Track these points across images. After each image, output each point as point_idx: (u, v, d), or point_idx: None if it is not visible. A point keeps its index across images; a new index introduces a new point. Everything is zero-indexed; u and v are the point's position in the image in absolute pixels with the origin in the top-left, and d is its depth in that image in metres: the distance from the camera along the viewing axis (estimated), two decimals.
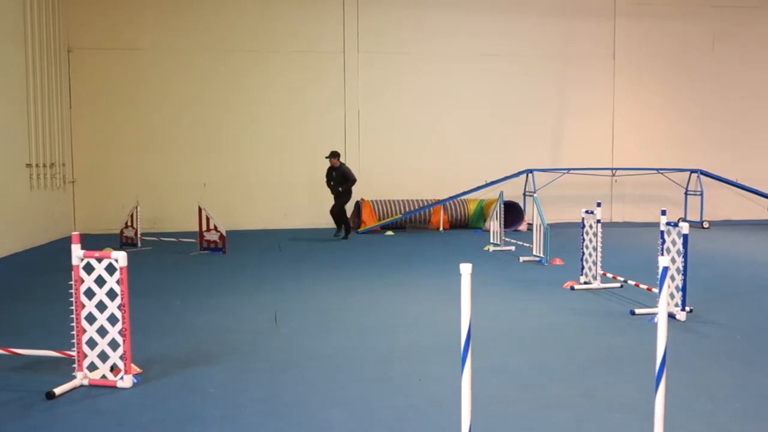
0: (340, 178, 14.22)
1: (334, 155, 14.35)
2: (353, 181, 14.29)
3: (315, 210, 16.85)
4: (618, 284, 8.46)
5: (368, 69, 17.04)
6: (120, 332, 4.88)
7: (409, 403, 4.60)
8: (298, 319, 7.14)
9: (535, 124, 17.87)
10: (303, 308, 7.64)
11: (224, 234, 12.22)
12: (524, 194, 16.62)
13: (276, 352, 5.89)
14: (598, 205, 8.76)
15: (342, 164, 14.47)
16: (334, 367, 5.43)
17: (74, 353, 4.98)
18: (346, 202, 14.52)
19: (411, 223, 16.45)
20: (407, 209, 16.18)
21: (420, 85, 17.29)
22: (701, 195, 16.55)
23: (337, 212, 14.37)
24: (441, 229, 16.17)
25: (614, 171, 17.30)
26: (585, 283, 8.66)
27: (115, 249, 10.14)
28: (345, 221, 14.37)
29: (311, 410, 4.50)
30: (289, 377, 5.20)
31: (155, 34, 16.32)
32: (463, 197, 16.37)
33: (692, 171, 17.10)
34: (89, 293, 4.96)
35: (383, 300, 8.09)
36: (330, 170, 14.43)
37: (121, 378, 4.93)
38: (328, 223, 16.93)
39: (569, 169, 16.75)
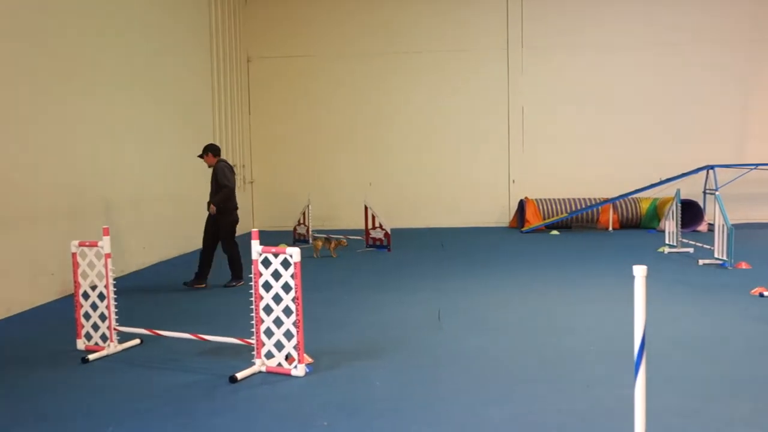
0: (213, 185, 9.15)
1: (213, 151, 9.27)
2: (229, 188, 9.11)
3: (478, 208, 16.80)
4: None
5: (532, 64, 16.67)
6: (294, 324, 5.18)
7: (575, 409, 4.44)
8: (461, 317, 7.16)
9: (715, 116, 16.49)
10: (466, 306, 7.65)
11: (389, 232, 12.54)
12: (704, 192, 15.40)
13: (439, 349, 5.95)
14: None
15: (220, 161, 9.23)
16: (497, 367, 5.38)
17: (253, 341, 5.36)
18: (233, 225, 9.33)
19: (577, 223, 15.86)
20: (573, 208, 15.63)
21: (586, 78, 16.61)
22: None
23: (227, 248, 9.26)
24: (610, 229, 15.44)
25: None
26: None
27: (289, 245, 10.73)
28: (238, 258, 9.28)
29: (474, 409, 4.50)
30: (452, 374, 5.23)
31: (325, 41, 17.10)
32: (634, 195, 15.49)
33: None
34: (267, 286, 5.32)
35: (548, 301, 7.88)
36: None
37: (295, 367, 5.23)
38: (492, 221, 16.82)
39: (757, 165, 15.27)
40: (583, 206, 15.58)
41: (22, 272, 7.95)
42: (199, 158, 9.40)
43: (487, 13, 16.71)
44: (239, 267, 9.28)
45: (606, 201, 15.39)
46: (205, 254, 9.24)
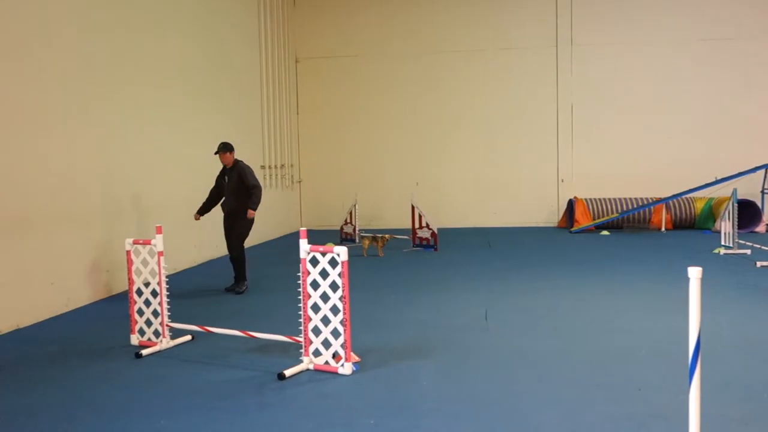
0: (237, 186, 8.70)
1: (227, 148, 8.78)
2: (260, 188, 8.77)
3: (526, 208, 16.63)
4: None
5: (582, 61, 16.40)
6: (341, 322, 5.21)
7: (626, 413, 4.35)
8: (508, 317, 7.09)
9: None
10: (513, 307, 7.57)
11: (436, 231, 12.51)
12: (762, 192, 14.91)
13: (486, 350, 5.90)
14: None
15: (239, 162, 8.85)
16: (545, 369, 5.31)
17: (301, 339, 5.41)
18: (251, 226, 8.93)
19: (628, 223, 15.54)
20: (624, 208, 15.32)
21: (637, 75, 16.25)
22: None
23: (239, 250, 8.85)
24: (663, 229, 15.07)
25: None
26: None
27: (336, 244, 10.81)
28: (243, 265, 8.92)
29: (521, 410, 4.45)
30: (499, 375, 5.18)
31: (371, 41, 17.16)
32: (688, 195, 15.09)
33: None
34: (314, 285, 5.36)
35: (597, 302, 7.74)
36: (222, 172, 8.95)
37: (342, 365, 5.26)
38: (540, 221, 16.62)
39: None
40: (635, 206, 15.25)
41: (80, 269, 8.20)
42: (215, 155, 8.85)
43: (535, 11, 16.51)
44: (245, 271, 8.89)
45: (659, 201, 15.02)
46: (240, 260, 8.87)
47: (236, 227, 8.75)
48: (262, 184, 14.90)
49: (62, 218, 7.89)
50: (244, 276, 8.90)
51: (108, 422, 4.41)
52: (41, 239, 7.50)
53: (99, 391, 5.03)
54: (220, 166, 8.95)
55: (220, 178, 8.92)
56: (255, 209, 8.68)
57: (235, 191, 8.69)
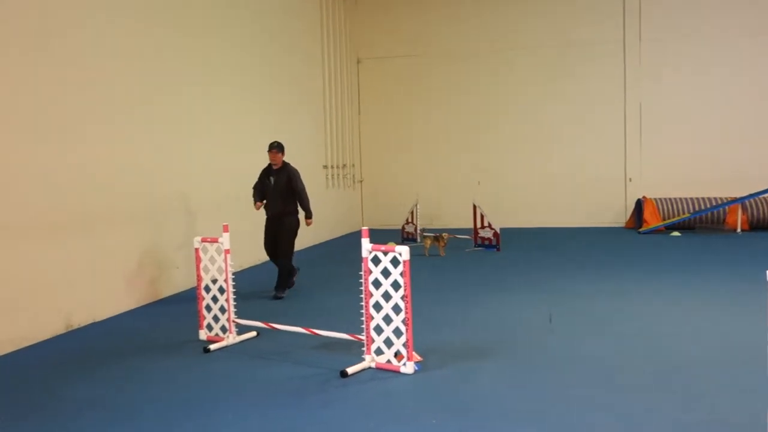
0: (285, 189, 8.44)
1: (281, 148, 8.51)
2: (306, 193, 8.60)
3: (591, 208, 16.26)
4: None
5: (651, 57, 15.91)
6: (403, 321, 5.22)
7: (695, 420, 4.21)
8: (573, 320, 6.96)
9: None
10: (578, 309, 7.42)
11: (498, 231, 12.38)
12: None
13: (550, 352, 5.81)
14: None
15: (288, 164, 8.57)
16: (609, 373, 5.19)
17: (363, 337, 5.45)
18: (297, 229, 8.64)
19: (701, 224, 14.99)
20: (696, 208, 14.79)
21: (709, 69, 15.63)
22: None
23: (289, 255, 8.63)
24: (738, 230, 14.47)
25: None
26: None
27: (398, 243, 10.81)
28: (291, 268, 8.69)
29: (584, 415, 4.36)
30: (563, 379, 5.09)
31: (433, 40, 17.10)
32: (767, 195, 14.44)
33: None
34: (376, 284, 5.39)
35: (663, 306, 7.50)
36: (266, 172, 8.61)
37: (404, 364, 5.27)
38: (606, 221, 16.22)
39: None
40: (708, 206, 14.70)
41: (151, 265, 8.48)
42: (270, 153, 8.42)
43: (602, 6, 16.12)
44: (288, 277, 8.61)
45: (734, 200, 14.43)
46: (288, 264, 8.57)
47: (284, 232, 8.43)
48: (324, 184, 15.26)
49: (134, 218, 8.18)
50: (288, 282, 8.60)
51: (178, 415, 4.55)
52: (115, 238, 7.80)
53: (169, 384, 5.20)
54: None
55: (264, 178, 8.54)
56: (310, 214, 8.54)
57: (283, 194, 8.39)
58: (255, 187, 8.64)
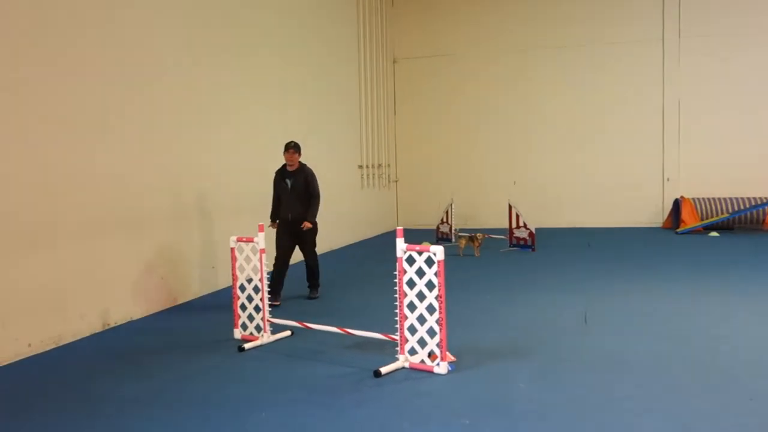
0: (304, 191, 8.16)
1: (298, 148, 8.20)
2: (320, 198, 8.29)
3: (628, 208, 16.03)
4: None
5: (690, 54, 15.59)
6: (437, 321, 5.21)
7: (739, 423, 4.12)
8: (609, 320, 6.87)
9: None
10: (613, 309, 7.32)
11: (533, 231, 12.28)
12: None
13: (585, 353, 5.74)
14: None
15: (305, 165, 8.32)
16: (646, 374, 5.11)
17: (397, 337, 5.46)
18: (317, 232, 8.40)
19: (740, 224, 14.66)
20: (735, 208, 14.46)
21: (750, 67, 15.26)
22: None
23: (315, 258, 8.50)
24: None
25: None
26: None
27: (432, 243, 10.80)
28: (318, 272, 8.59)
29: (621, 417, 4.30)
30: (598, 379, 5.03)
31: (469, 39, 17.04)
32: None
33: None
34: (410, 283, 5.39)
35: (702, 307, 7.35)
36: (281, 174, 8.26)
37: (438, 364, 5.26)
38: (643, 221, 15.97)
39: None
40: (747, 206, 14.36)
41: (187, 265, 8.61)
42: (287, 153, 8.07)
43: (639, 3, 15.86)
44: (318, 277, 8.58)
45: None
46: (285, 269, 8.22)
47: (308, 236, 8.18)
48: (359, 184, 15.31)
49: (169, 217, 8.30)
50: (318, 282, 8.58)
51: (213, 413, 4.62)
52: (152, 237, 7.93)
53: (205, 383, 5.28)
54: (318, 164, 8.97)
55: (280, 181, 8.15)
56: (313, 221, 8.15)
57: (301, 196, 8.10)
58: (274, 199, 8.26)
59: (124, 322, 7.40)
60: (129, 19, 7.64)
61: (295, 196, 8.09)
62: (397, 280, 5.41)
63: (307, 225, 8.07)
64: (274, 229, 8.26)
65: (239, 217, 9.73)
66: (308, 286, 8.57)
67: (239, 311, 6.57)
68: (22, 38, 6.20)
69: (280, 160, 8.26)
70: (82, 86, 6.92)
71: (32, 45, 6.31)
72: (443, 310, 5.18)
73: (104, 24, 7.25)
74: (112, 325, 7.24)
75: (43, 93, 6.41)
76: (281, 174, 8.21)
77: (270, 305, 6.50)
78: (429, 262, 5.24)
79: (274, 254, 8.19)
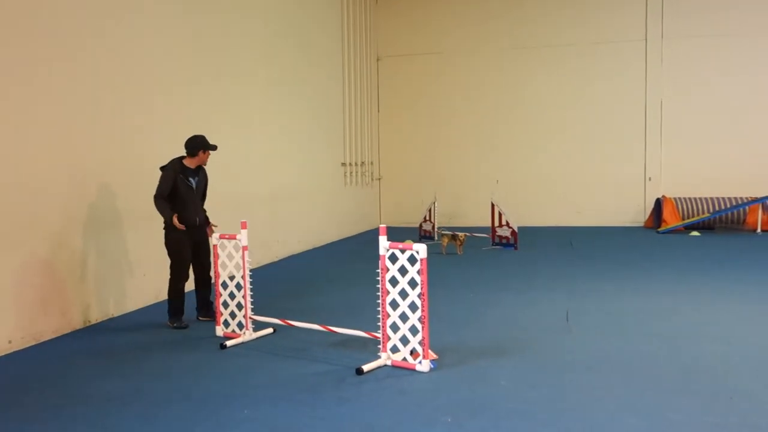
0: (203, 192, 7.25)
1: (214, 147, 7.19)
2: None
3: (610, 207, 16.14)
4: None
5: (672, 55, 15.72)
6: (419, 319, 5.22)
7: (716, 422, 4.17)
8: (591, 319, 6.91)
9: None
10: (595, 308, 7.37)
11: (516, 230, 12.33)
12: None
13: (568, 352, 5.78)
14: None
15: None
16: (630, 374, 5.15)
17: (380, 335, 5.46)
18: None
19: (721, 224, 14.82)
20: (716, 207, 14.62)
21: (731, 69, 15.42)
22: None
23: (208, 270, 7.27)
24: (759, 230, 14.29)
25: None
26: None
27: (415, 241, 10.81)
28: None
29: (603, 415, 4.33)
30: (581, 378, 5.06)
31: (453, 38, 17.05)
32: None
33: None
34: (393, 281, 5.39)
35: (685, 306, 7.43)
36: (183, 172, 6.95)
37: (420, 362, 5.27)
38: (625, 221, 16.10)
39: None
40: (728, 206, 14.53)
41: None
42: (213, 152, 7.17)
43: (623, 3, 15.97)
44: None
45: (755, 200, 14.26)
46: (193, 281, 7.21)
47: (207, 244, 7.18)
48: (342, 182, 15.31)
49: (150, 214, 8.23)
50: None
51: (194, 410, 4.59)
52: (132, 234, 7.86)
53: (186, 380, 5.24)
54: (301, 162, 8.91)
55: (184, 180, 6.89)
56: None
57: (202, 198, 7.21)
58: (162, 196, 6.85)
59: (104, 319, 7.33)
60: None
61: (199, 197, 7.10)
62: (379, 278, 5.41)
63: (212, 230, 7.21)
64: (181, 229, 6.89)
65: (223, 216, 9.66)
66: (198, 308, 7.28)
67: (221, 308, 6.53)
68: None
69: (261, 159, 8.18)
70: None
71: None
72: (426, 308, 5.19)
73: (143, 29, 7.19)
74: (93, 322, 7.17)
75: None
76: (183, 171, 6.91)
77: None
78: (412, 260, 5.24)
79: (170, 264, 7.03)
